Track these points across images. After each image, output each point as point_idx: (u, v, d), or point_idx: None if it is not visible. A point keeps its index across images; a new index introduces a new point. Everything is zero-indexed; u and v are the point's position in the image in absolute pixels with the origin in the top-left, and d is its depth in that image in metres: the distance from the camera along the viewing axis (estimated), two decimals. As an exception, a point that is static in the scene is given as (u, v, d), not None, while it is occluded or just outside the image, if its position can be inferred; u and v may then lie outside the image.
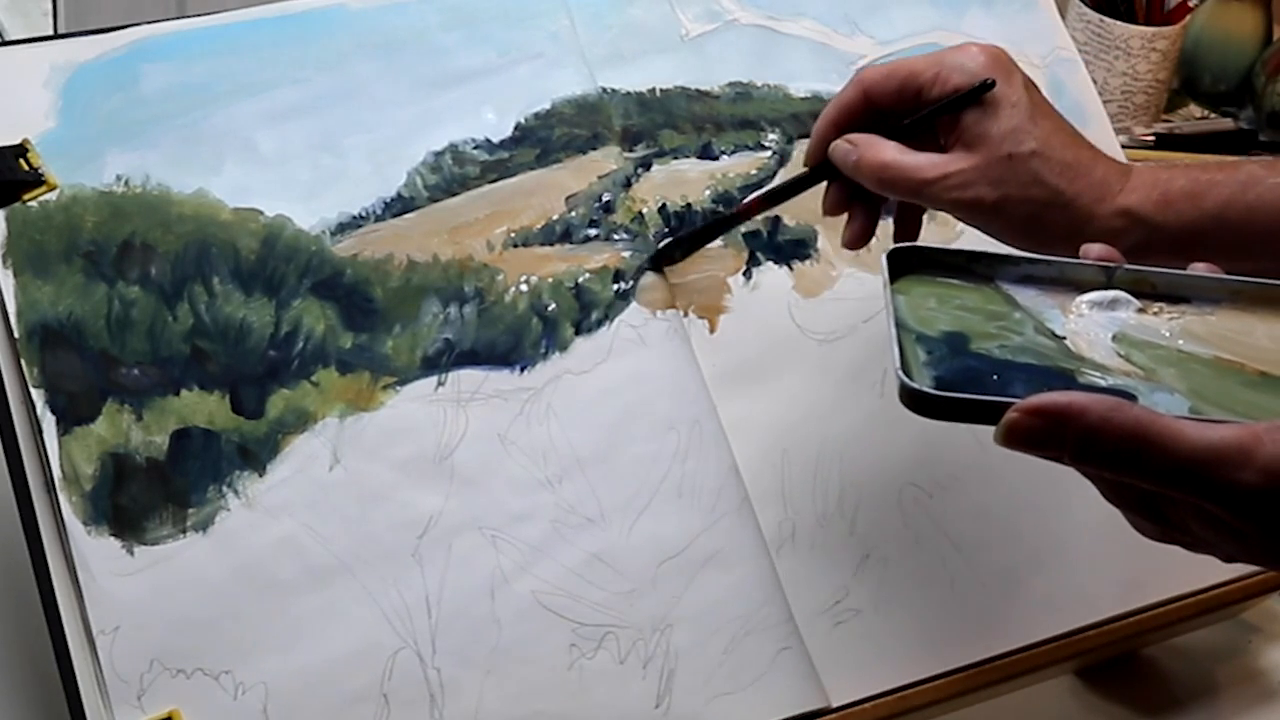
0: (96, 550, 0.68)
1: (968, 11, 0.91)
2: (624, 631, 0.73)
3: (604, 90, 0.83)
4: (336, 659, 0.70)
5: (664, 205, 0.81)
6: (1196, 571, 0.82)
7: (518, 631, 0.72)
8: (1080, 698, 0.85)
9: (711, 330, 0.79)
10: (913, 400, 0.58)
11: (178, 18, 0.79)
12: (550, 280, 0.78)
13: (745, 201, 0.80)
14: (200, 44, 0.78)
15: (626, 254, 0.79)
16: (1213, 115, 1.36)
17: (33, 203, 0.72)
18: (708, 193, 0.82)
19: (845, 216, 0.77)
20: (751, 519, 0.77)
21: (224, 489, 0.70)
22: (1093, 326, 0.64)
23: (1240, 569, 0.83)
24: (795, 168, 0.84)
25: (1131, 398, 0.59)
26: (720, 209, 0.82)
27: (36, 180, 0.72)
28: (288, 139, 0.77)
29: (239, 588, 0.69)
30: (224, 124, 0.76)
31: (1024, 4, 0.92)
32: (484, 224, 0.78)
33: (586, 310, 0.78)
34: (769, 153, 0.84)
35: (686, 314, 0.79)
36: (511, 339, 0.76)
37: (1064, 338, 0.64)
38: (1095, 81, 0.94)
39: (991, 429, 0.56)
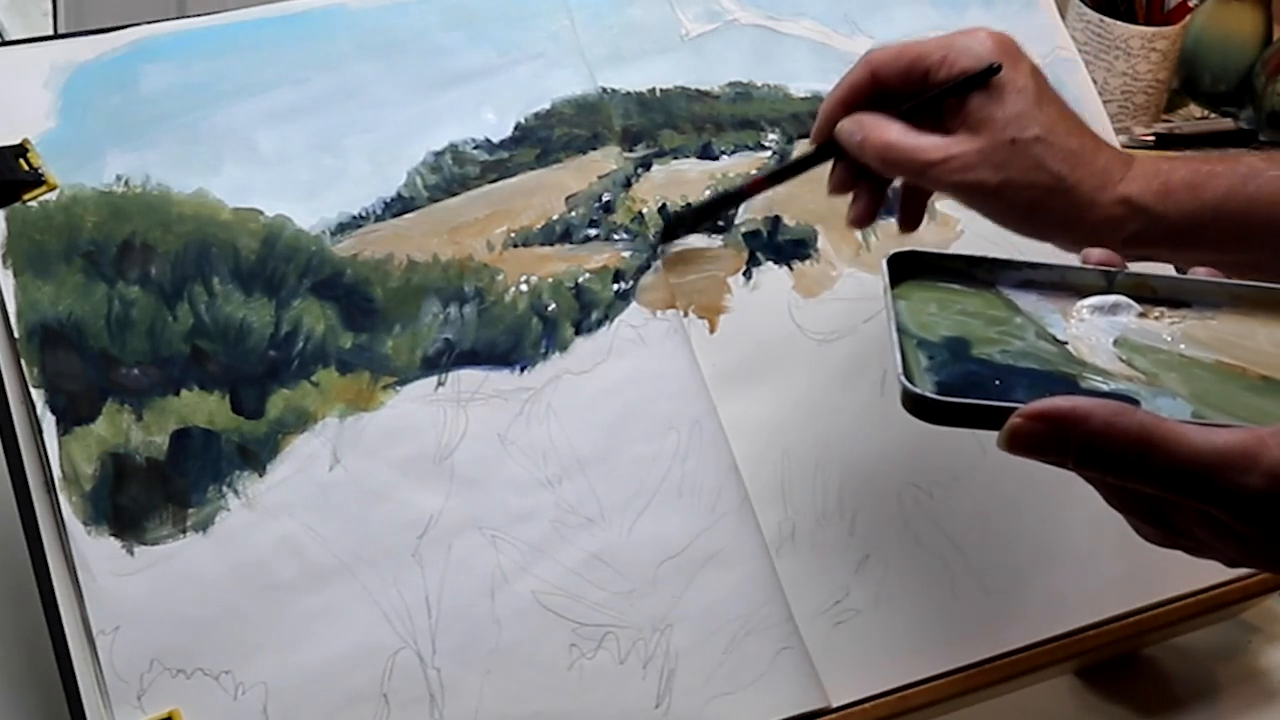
0: (96, 550, 0.68)
1: (968, 11, 0.91)
2: (624, 631, 0.73)
3: (604, 90, 0.83)
4: (336, 659, 0.70)
5: (664, 205, 0.81)
6: (1196, 572, 0.82)
7: (518, 631, 0.72)
8: (1080, 698, 0.85)
9: (711, 330, 0.79)
10: (915, 405, 0.58)
11: (178, 18, 0.79)
12: (550, 280, 0.78)
13: (752, 177, 0.80)
14: (200, 44, 0.78)
15: (626, 254, 0.79)
16: (1213, 115, 1.36)
17: (33, 203, 0.72)
18: (708, 193, 0.82)
19: (850, 200, 0.76)
20: (751, 519, 0.77)
21: (224, 489, 0.70)
22: (1094, 331, 0.64)
23: (1240, 569, 0.83)
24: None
25: (1134, 402, 0.59)
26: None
27: (36, 180, 0.72)
28: (288, 139, 0.77)
29: (239, 587, 0.69)
30: (224, 124, 0.76)
31: (1024, 4, 0.92)
32: (484, 224, 0.78)
33: (586, 310, 0.78)
34: (769, 153, 0.84)
35: (686, 314, 0.79)
36: (511, 339, 0.76)
37: (1065, 343, 0.64)
38: (1095, 81, 0.94)
39: (994, 434, 0.56)
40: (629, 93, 0.83)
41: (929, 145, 0.72)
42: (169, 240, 0.73)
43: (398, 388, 0.74)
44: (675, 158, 0.83)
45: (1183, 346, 0.63)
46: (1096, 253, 0.67)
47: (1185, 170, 0.72)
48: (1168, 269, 0.80)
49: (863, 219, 0.76)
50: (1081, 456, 0.54)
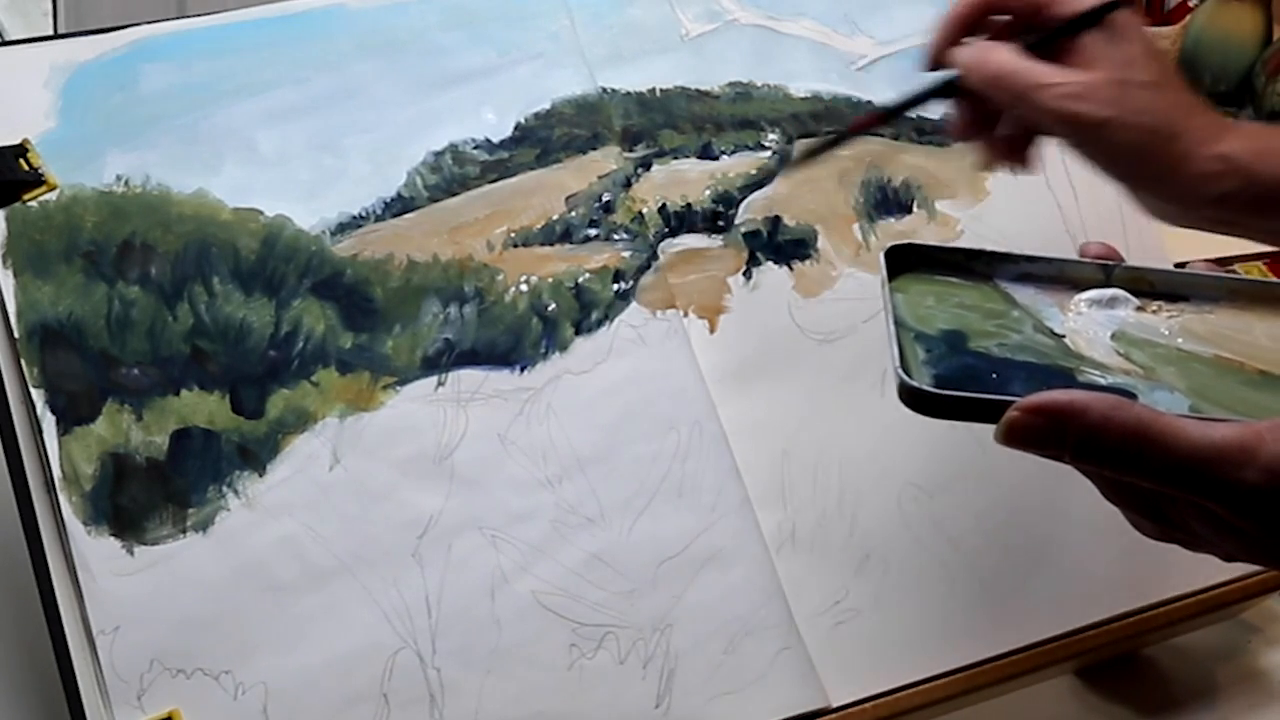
0: (96, 550, 0.68)
1: (968, 11, 0.91)
2: (624, 631, 0.73)
3: (604, 90, 0.83)
4: (336, 659, 0.70)
5: (664, 205, 0.81)
6: (1196, 571, 0.82)
7: (518, 631, 0.72)
8: (1080, 698, 0.85)
9: (711, 330, 0.79)
10: (912, 399, 0.58)
11: (178, 18, 0.79)
12: (550, 280, 0.78)
13: (866, 114, 0.80)
14: (200, 44, 0.78)
15: (626, 254, 0.79)
16: (1213, 115, 1.36)
17: (33, 203, 0.72)
18: (708, 193, 0.82)
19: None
20: (751, 519, 0.77)
21: (224, 489, 0.70)
22: (1091, 325, 0.64)
23: (1240, 569, 0.83)
24: (796, 167, 0.84)
25: (1132, 396, 0.59)
26: (720, 209, 0.82)
27: (36, 180, 0.72)
28: (288, 139, 0.77)
29: (239, 588, 0.69)
30: (224, 124, 0.76)
31: (1024, 4, 0.92)
32: (484, 224, 0.78)
33: (586, 310, 0.78)
34: (769, 153, 0.84)
35: (686, 314, 0.79)
36: (511, 339, 0.76)
37: (1063, 336, 0.64)
38: (1095, 81, 0.93)
39: (990, 428, 0.56)
40: (629, 93, 0.83)
41: (1040, 69, 0.70)
42: (169, 240, 0.73)
43: (398, 388, 0.74)
44: (675, 158, 0.83)
45: (1180, 340, 0.63)
46: (1094, 246, 0.67)
47: None
48: (1165, 264, 0.80)
49: (993, 159, 0.75)
50: (1079, 450, 0.54)
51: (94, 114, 0.75)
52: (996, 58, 0.71)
